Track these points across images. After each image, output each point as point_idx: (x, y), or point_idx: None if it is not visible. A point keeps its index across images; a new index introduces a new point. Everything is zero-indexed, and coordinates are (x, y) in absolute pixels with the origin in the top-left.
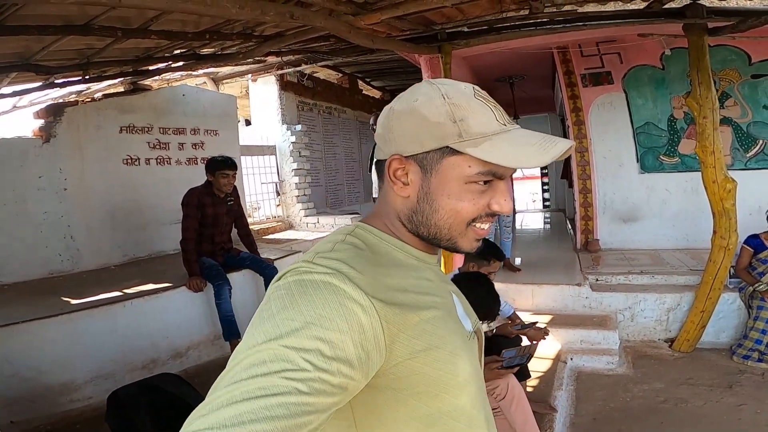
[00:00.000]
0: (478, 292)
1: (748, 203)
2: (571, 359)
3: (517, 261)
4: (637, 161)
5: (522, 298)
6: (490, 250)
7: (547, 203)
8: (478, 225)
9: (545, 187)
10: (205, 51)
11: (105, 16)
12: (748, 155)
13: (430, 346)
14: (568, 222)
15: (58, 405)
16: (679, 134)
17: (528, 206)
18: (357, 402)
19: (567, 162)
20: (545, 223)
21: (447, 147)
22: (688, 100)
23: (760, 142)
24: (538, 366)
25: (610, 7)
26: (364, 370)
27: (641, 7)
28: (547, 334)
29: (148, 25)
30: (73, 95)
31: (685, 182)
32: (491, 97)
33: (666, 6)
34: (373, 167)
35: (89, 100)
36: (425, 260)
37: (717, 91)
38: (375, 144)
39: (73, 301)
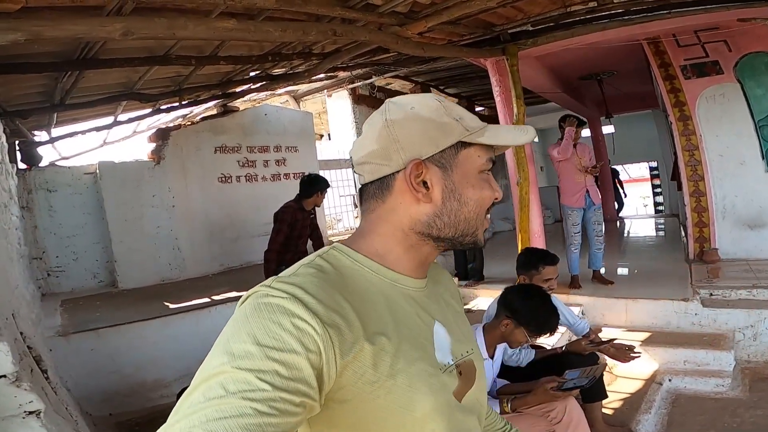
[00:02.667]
0: (531, 305)
1: None
2: (670, 380)
3: (622, 271)
4: (763, 158)
5: (613, 314)
6: (535, 257)
7: (659, 207)
8: (488, 215)
9: (657, 190)
10: (276, 71)
11: (178, 45)
12: None
13: (384, 376)
14: (682, 228)
15: (149, 400)
16: None
17: (638, 211)
18: (314, 427)
19: (675, 161)
20: (657, 229)
21: (459, 142)
22: None
23: None
24: (623, 386)
25: None
26: (319, 390)
27: None
28: (636, 355)
29: (216, 51)
30: (180, 119)
31: None
32: None
33: None
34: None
35: (190, 123)
36: (405, 284)
37: None
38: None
39: (172, 306)
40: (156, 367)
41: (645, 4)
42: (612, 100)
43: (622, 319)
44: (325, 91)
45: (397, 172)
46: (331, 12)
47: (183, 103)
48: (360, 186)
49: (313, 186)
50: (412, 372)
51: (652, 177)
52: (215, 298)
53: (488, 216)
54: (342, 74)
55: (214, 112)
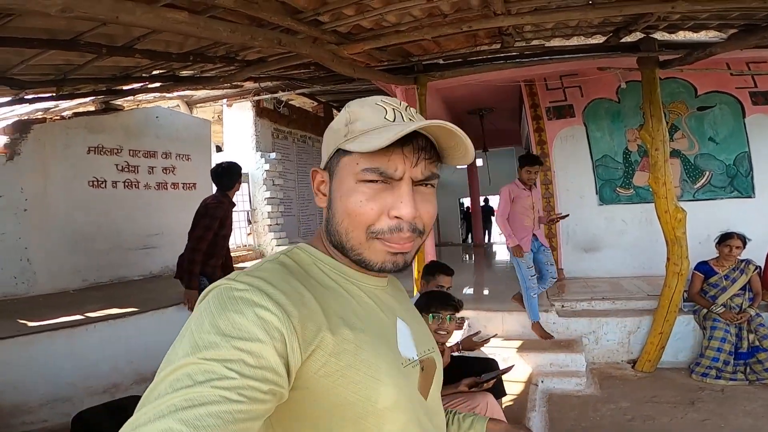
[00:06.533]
0: (432, 296)
1: (697, 233)
2: (542, 382)
3: (494, 288)
4: (596, 193)
5: (492, 325)
6: (433, 267)
7: None
8: (387, 236)
9: None
10: (185, 73)
11: (93, 32)
12: (695, 186)
13: (347, 366)
14: None
15: (9, 427)
16: (633, 167)
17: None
18: (276, 421)
19: None
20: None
21: (339, 149)
22: (641, 133)
23: (707, 173)
24: (511, 389)
25: (573, 41)
26: (286, 377)
27: (601, 41)
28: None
29: (133, 43)
30: (40, 112)
31: (639, 213)
32: (412, 110)
33: (623, 40)
34: None
35: (57, 118)
36: (365, 282)
37: (667, 123)
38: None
39: (31, 324)
40: (15, 391)
41: (536, 49)
42: (489, 135)
43: (499, 329)
44: (225, 99)
45: None
46: (282, 21)
47: (61, 94)
48: None
49: (234, 174)
50: (375, 363)
51: None
52: (90, 315)
53: (387, 237)
54: (248, 85)
55: (91, 108)
